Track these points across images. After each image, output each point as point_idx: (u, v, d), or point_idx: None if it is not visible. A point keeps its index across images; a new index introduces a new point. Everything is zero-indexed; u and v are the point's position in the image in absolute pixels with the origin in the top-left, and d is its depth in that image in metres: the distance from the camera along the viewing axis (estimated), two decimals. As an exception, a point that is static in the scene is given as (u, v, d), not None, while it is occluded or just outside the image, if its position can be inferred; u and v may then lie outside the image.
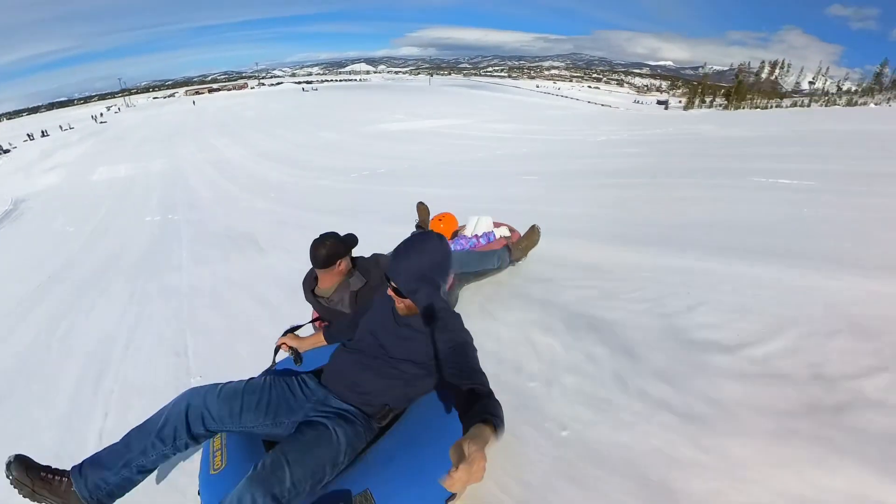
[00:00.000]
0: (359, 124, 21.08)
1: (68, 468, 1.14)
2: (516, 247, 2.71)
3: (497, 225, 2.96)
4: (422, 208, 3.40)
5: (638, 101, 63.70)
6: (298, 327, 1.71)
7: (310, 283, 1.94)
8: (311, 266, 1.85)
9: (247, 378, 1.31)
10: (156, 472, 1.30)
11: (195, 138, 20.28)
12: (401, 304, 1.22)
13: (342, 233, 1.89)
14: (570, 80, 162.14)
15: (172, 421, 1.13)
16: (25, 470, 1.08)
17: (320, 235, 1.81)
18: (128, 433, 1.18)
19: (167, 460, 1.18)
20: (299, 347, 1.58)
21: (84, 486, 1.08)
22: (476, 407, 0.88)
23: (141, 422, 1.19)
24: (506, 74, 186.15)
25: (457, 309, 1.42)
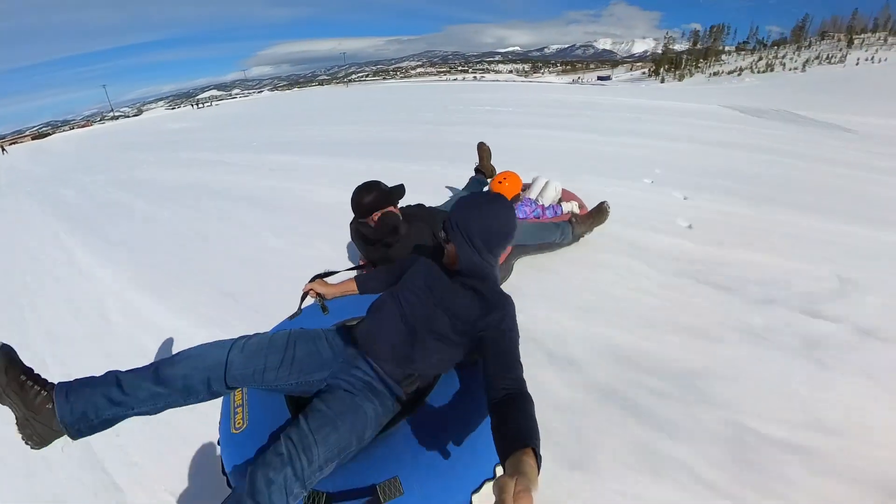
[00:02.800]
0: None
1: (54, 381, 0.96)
2: (581, 222, 2.49)
3: (567, 198, 2.75)
4: (483, 149, 3.07)
5: (578, 80, 68.19)
6: (330, 274, 1.56)
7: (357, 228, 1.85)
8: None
9: (272, 328, 1.24)
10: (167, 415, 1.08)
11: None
12: (451, 253, 1.15)
13: None
14: (438, 75, 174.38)
15: (193, 376, 1.02)
16: (6, 365, 0.91)
17: (365, 183, 1.77)
18: (135, 372, 1.01)
19: (175, 409, 1.05)
20: (326, 294, 1.45)
21: (69, 413, 0.91)
22: (515, 421, 0.81)
23: (153, 362, 1.04)
24: (380, 78, 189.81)
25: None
